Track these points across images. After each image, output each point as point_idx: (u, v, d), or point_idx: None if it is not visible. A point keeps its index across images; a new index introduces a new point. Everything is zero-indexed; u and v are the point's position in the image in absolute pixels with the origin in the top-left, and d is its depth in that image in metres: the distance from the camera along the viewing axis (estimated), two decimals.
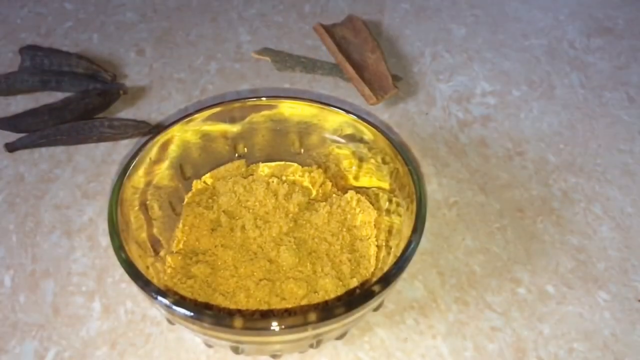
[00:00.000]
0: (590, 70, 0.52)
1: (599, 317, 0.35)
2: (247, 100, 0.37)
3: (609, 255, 0.38)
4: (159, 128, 0.36)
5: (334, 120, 0.37)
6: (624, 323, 0.34)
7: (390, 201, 0.35)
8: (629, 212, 0.41)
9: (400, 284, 0.36)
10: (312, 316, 0.27)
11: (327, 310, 0.27)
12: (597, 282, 0.36)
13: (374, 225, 0.35)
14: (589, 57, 0.53)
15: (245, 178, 0.37)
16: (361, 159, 0.37)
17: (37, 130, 0.44)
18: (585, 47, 0.54)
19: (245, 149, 0.38)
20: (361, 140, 0.37)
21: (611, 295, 0.36)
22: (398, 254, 0.30)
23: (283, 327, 0.26)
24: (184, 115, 0.36)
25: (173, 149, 0.36)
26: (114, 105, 0.47)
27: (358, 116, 0.36)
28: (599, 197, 0.41)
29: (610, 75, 0.52)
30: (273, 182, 0.36)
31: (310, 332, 0.28)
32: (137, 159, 0.33)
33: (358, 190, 0.37)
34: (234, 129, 0.38)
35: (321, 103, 0.37)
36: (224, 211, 0.35)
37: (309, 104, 0.37)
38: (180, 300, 0.28)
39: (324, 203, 0.36)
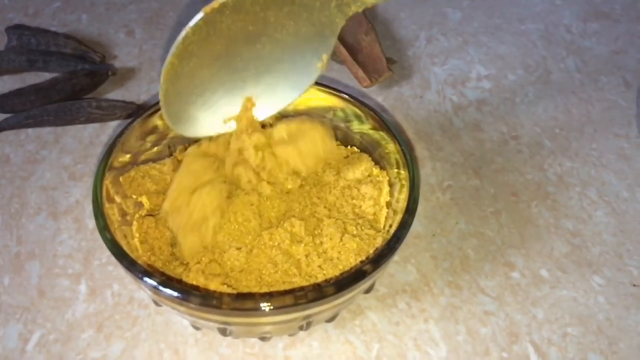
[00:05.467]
0: (586, 54, 0.52)
1: (594, 301, 0.35)
2: None
3: (604, 240, 0.38)
4: (145, 108, 0.36)
5: (327, 101, 0.36)
6: (619, 308, 0.34)
7: None
8: (624, 197, 0.40)
9: (393, 267, 0.36)
10: (302, 297, 0.26)
11: (318, 291, 0.27)
12: (592, 266, 0.36)
13: None
14: (586, 41, 0.53)
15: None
16: (353, 142, 0.37)
17: (24, 110, 0.43)
18: (581, 32, 0.54)
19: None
20: (353, 122, 0.36)
21: (606, 280, 0.36)
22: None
23: (272, 307, 0.26)
24: None
25: (162, 129, 0.35)
26: (102, 86, 0.46)
27: (351, 97, 0.36)
28: (595, 182, 0.41)
29: (607, 59, 0.51)
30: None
31: (300, 314, 0.27)
32: (122, 138, 0.33)
33: None
34: None
35: (315, 83, 0.36)
36: None
37: None
38: (167, 281, 0.28)
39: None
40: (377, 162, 0.35)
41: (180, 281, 0.30)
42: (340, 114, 0.36)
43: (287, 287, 0.29)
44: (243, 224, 0.31)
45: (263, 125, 0.35)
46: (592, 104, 0.47)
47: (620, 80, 0.49)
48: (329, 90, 0.36)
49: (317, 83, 0.36)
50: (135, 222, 0.32)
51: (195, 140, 0.34)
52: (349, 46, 0.47)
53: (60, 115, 0.43)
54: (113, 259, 0.28)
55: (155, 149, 0.35)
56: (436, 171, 0.41)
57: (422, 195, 0.39)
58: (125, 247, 0.29)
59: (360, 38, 0.49)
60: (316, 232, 0.32)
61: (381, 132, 0.34)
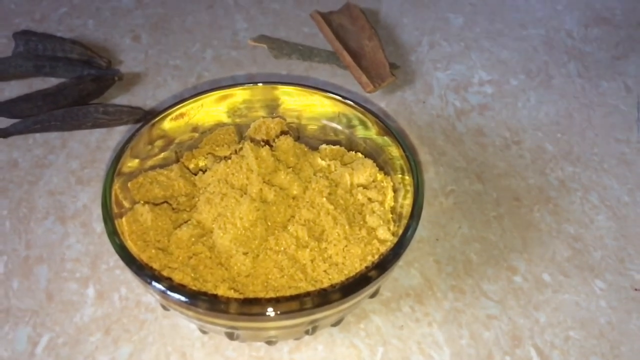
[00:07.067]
0: (587, 59, 0.52)
1: (595, 305, 0.35)
2: (242, 86, 0.37)
3: (606, 244, 0.38)
4: (153, 113, 0.36)
5: (332, 106, 0.37)
6: (620, 312, 0.35)
7: None
8: (625, 201, 0.41)
9: (397, 272, 0.36)
10: (308, 302, 0.27)
11: (323, 296, 0.27)
12: (594, 270, 0.37)
13: None
14: (587, 46, 0.54)
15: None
16: (357, 147, 0.37)
17: (31, 115, 0.44)
18: (583, 37, 0.55)
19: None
20: (357, 127, 0.37)
21: (607, 284, 0.36)
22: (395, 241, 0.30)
23: (278, 312, 0.26)
24: (179, 101, 0.36)
25: (169, 134, 0.36)
26: (108, 91, 0.47)
27: (355, 103, 0.36)
28: (596, 186, 0.42)
29: (608, 65, 0.52)
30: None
31: (306, 318, 0.28)
32: (130, 144, 0.33)
33: None
34: (228, 119, 0.38)
35: (319, 89, 0.37)
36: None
37: (307, 90, 0.37)
38: (175, 286, 0.28)
39: None
40: (381, 168, 0.35)
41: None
42: (344, 119, 0.37)
43: (293, 292, 0.30)
44: (249, 229, 0.31)
45: (269, 143, 0.36)
46: (593, 109, 0.48)
47: (621, 85, 0.50)
48: (333, 96, 0.36)
49: (321, 89, 0.37)
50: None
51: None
52: (353, 52, 0.48)
53: (67, 121, 0.43)
54: (120, 262, 0.29)
55: (162, 154, 0.36)
56: (439, 176, 0.42)
57: (425, 199, 0.39)
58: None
59: (363, 44, 0.49)
60: (321, 238, 0.32)
61: (385, 138, 0.35)
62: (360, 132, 0.37)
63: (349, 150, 0.37)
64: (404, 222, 0.31)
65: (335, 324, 0.32)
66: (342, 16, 0.52)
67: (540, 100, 0.48)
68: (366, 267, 0.30)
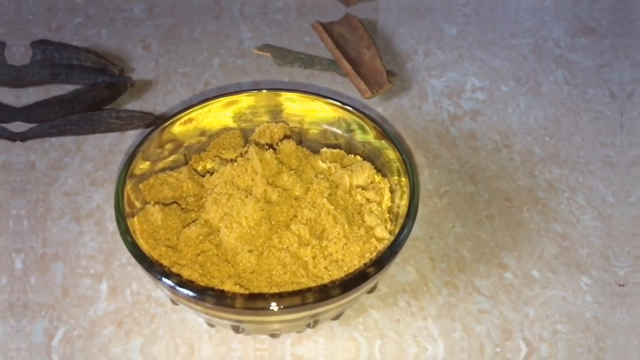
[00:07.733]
0: (574, 67, 0.53)
1: (582, 300, 0.36)
2: (247, 92, 0.38)
3: (591, 242, 0.39)
4: (163, 118, 0.37)
5: (332, 112, 0.38)
6: (605, 306, 0.35)
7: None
8: (610, 202, 0.41)
9: (394, 269, 0.37)
10: (310, 297, 0.28)
11: (324, 292, 0.28)
12: (580, 267, 0.37)
13: None
14: (574, 55, 0.54)
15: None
16: (356, 151, 0.38)
17: (48, 120, 0.44)
18: (570, 46, 0.55)
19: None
20: (356, 132, 0.38)
21: (593, 280, 0.37)
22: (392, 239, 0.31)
23: (282, 307, 0.27)
24: (188, 107, 0.37)
25: (178, 138, 0.37)
26: (121, 97, 0.47)
27: (354, 109, 0.37)
28: (582, 188, 0.42)
29: (594, 72, 0.52)
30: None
31: (307, 312, 0.29)
32: (142, 147, 0.34)
33: None
34: (234, 124, 0.39)
35: (320, 96, 0.38)
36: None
37: (308, 96, 0.38)
38: (184, 282, 0.29)
39: None
40: (379, 170, 0.36)
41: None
42: (344, 124, 0.38)
43: (295, 287, 0.30)
44: (254, 228, 0.32)
45: (272, 146, 0.37)
46: (579, 115, 0.48)
47: (606, 92, 0.50)
48: (333, 102, 0.37)
49: (321, 95, 0.38)
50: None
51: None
52: (352, 60, 0.49)
53: (82, 125, 0.44)
54: (132, 260, 0.30)
55: (172, 157, 0.37)
56: (434, 177, 0.42)
57: (420, 200, 0.38)
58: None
59: (362, 52, 0.50)
60: (322, 236, 0.33)
61: (383, 142, 0.35)
62: (359, 136, 0.37)
63: (348, 154, 0.38)
64: (401, 221, 0.31)
65: (335, 318, 0.33)
66: (342, 26, 0.53)
67: (530, 106, 0.49)
68: (364, 264, 0.31)
